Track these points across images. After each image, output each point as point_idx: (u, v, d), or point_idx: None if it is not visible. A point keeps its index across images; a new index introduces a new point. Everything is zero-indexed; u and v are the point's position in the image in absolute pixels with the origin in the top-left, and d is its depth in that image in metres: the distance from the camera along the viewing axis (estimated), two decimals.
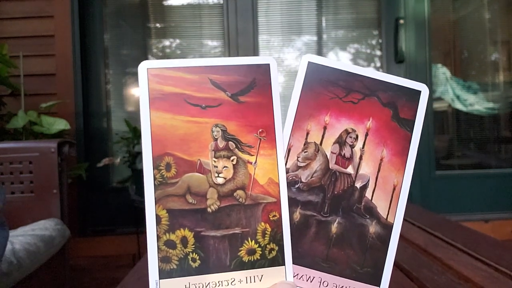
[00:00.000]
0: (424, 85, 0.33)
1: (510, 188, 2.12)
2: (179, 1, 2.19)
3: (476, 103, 2.23)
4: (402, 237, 0.98)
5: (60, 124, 1.66)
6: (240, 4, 2.11)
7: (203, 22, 2.17)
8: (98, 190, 2.05)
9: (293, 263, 0.31)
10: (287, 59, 2.20)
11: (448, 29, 2.33)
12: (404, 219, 1.09)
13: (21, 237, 1.07)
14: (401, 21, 2.07)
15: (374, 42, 2.22)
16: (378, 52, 2.20)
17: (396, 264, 0.78)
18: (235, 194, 0.31)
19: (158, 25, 2.23)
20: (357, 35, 2.23)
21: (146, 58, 2.15)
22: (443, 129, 2.27)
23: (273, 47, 2.20)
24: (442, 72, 2.25)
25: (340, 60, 2.21)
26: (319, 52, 2.20)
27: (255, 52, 2.12)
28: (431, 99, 2.16)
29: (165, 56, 2.20)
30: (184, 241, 0.29)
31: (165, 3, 2.20)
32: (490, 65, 2.29)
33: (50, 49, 1.95)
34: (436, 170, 2.14)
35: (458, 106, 2.23)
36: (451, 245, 0.88)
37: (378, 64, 2.21)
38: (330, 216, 0.32)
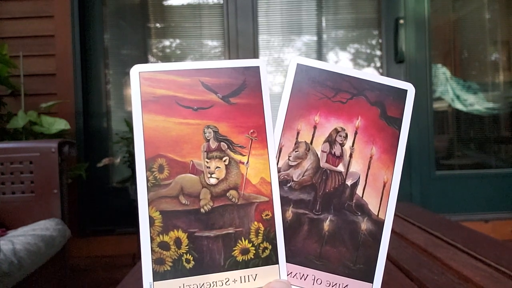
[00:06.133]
0: (410, 84, 0.34)
1: (510, 188, 2.12)
2: (179, 1, 2.19)
3: (476, 103, 2.23)
4: (402, 237, 0.98)
5: (60, 124, 1.66)
6: (240, 4, 2.11)
7: (203, 22, 2.17)
8: (98, 190, 2.05)
9: (286, 262, 0.31)
10: (287, 59, 2.20)
11: (448, 29, 2.33)
12: (404, 219, 1.09)
13: (21, 237, 1.07)
14: (401, 21, 2.07)
15: (374, 42, 2.22)
16: (378, 52, 2.20)
17: (396, 264, 0.78)
18: (228, 194, 0.31)
19: (158, 25, 2.23)
20: (357, 35, 2.23)
21: (146, 58, 2.16)
22: (443, 129, 2.27)
23: (273, 47, 2.20)
24: (442, 72, 2.25)
25: (340, 60, 2.21)
26: (319, 52, 2.20)
27: (255, 52, 2.12)
28: (431, 99, 2.15)
29: (165, 56, 2.20)
30: (177, 242, 0.30)
31: (165, 3, 2.20)
32: (490, 65, 2.28)
33: (50, 49, 1.95)
34: (436, 170, 2.14)
35: (458, 106, 2.23)
36: (451, 245, 0.88)
37: (378, 64, 2.21)
38: (322, 214, 0.33)
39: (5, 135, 1.71)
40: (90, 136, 2.06)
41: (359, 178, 0.33)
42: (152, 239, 0.29)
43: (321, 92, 0.34)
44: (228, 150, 0.31)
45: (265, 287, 0.30)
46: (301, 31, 2.20)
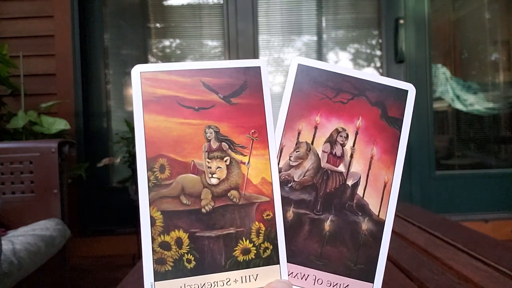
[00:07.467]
0: (411, 85, 0.34)
1: (510, 188, 2.12)
2: (179, 1, 2.19)
3: (476, 103, 2.23)
4: (402, 237, 0.98)
5: (60, 124, 1.67)
6: (240, 4, 2.11)
7: (203, 22, 2.17)
8: (98, 190, 2.05)
9: (287, 262, 0.31)
10: (287, 59, 2.20)
11: (448, 29, 2.33)
12: (405, 219, 1.09)
13: (21, 237, 1.07)
14: (401, 21, 2.07)
15: (374, 42, 2.22)
16: (378, 52, 2.20)
17: (396, 264, 0.78)
18: (229, 194, 0.31)
19: (158, 25, 2.23)
20: (357, 35, 2.23)
21: (146, 58, 2.16)
22: (443, 129, 2.27)
23: (273, 47, 2.20)
24: (442, 72, 2.25)
25: (340, 60, 2.21)
26: (319, 52, 2.20)
27: (255, 52, 2.12)
28: (431, 99, 2.15)
29: (165, 56, 2.20)
30: (179, 242, 0.30)
31: (165, 3, 2.20)
32: (490, 65, 2.28)
33: (50, 49, 1.95)
34: (436, 170, 2.14)
35: (458, 106, 2.23)
36: (451, 245, 0.88)
37: (378, 64, 2.21)
38: (323, 214, 0.33)
39: (5, 135, 1.71)
40: (90, 136, 2.06)
41: (359, 178, 0.33)
42: (153, 239, 0.29)
43: (322, 93, 0.34)
44: (229, 150, 0.31)
45: (266, 287, 0.30)
46: (301, 31, 2.20)
